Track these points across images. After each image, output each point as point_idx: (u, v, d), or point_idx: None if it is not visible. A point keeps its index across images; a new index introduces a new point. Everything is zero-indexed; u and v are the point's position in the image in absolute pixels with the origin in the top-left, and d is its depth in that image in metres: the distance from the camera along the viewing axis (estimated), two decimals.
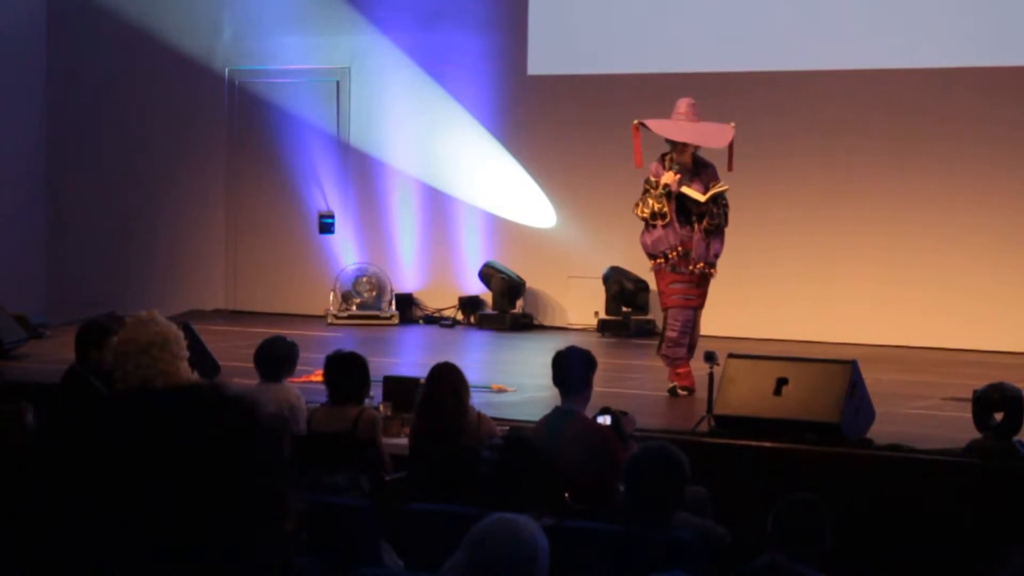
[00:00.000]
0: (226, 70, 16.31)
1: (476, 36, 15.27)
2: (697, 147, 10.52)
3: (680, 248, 10.37)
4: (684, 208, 10.39)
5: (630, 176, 13.98)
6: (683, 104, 10.59)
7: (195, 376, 7.26)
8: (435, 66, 15.45)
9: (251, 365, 8.42)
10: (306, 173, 16.01)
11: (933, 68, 13.51)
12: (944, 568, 7.50)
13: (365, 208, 15.84)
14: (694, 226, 10.36)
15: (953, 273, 13.42)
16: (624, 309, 14.29)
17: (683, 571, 4.99)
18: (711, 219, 10.31)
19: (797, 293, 13.86)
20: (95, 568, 1.46)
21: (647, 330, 14.00)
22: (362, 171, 15.82)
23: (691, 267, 10.34)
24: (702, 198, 10.30)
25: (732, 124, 10.60)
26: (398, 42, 15.57)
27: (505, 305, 14.74)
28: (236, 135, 16.34)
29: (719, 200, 10.35)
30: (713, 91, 11.43)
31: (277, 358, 8.32)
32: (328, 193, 15.95)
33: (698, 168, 10.46)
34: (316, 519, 5.63)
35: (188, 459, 1.49)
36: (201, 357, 9.07)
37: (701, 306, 10.48)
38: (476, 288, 15.14)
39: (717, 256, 10.40)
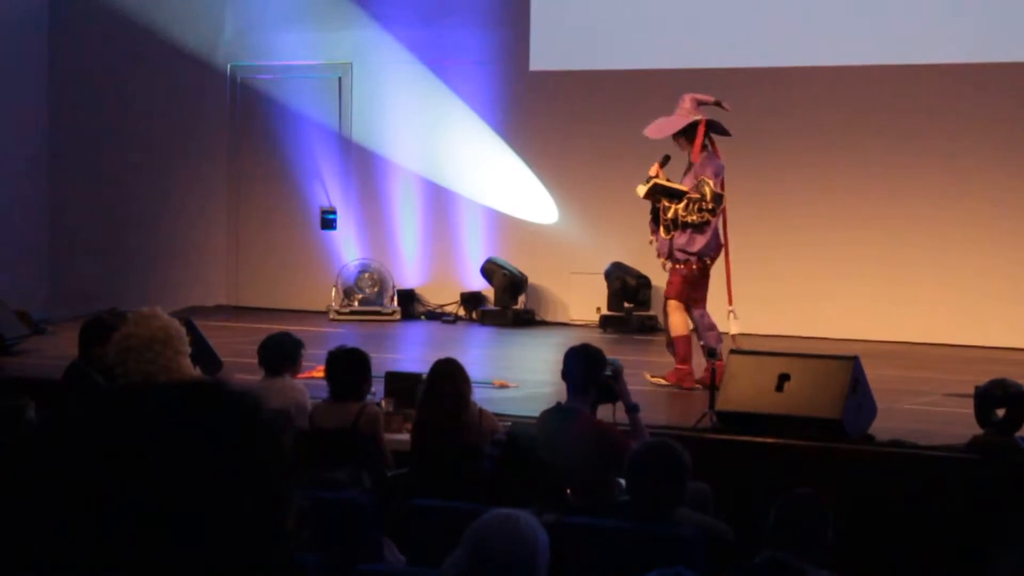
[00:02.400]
0: (228, 66, 16.30)
1: (478, 32, 15.25)
2: (693, 142, 10.51)
3: (653, 242, 10.54)
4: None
5: (631, 172, 14.00)
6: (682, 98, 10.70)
7: (197, 372, 7.27)
8: (437, 62, 15.43)
9: (253, 361, 8.43)
10: (308, 169, 16.00)
11: (936, 64, 13.49)
12: (945, 564, 7.50)
13: (367, 204, 15.84)
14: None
15: (955, 269, 13.41)
16: (626, 305, 14.28)
17: (685, 567, 4.99)
18: (664, 213, 10.38)
19: (799, 289, 13.84)
20: (95, 565, 1.46)
21: (649, 326, 14.00)
22: (364, 167, 15.81)
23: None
24: (641, 192, 10.45)
25: (696, 117, 10.44)
26: (400, 38, 15.55)
27: (507, 301, 14.73)
28: (238, 131, 16.33)
29: (675, 194, 10.32)
30: (716, 87, 11.41)
31: (281, 354, 8.32)
32: (330, 189, 15.94)
33: (695, 164, 10.51)
34: (318, 515, 5.63)
35: (190, 455, 1.49)
36: (203, 353, 9.07)
37: (692, 300, 10.44)
38: (478, 284, 15.14)
39: (684, 250, 10.35)
